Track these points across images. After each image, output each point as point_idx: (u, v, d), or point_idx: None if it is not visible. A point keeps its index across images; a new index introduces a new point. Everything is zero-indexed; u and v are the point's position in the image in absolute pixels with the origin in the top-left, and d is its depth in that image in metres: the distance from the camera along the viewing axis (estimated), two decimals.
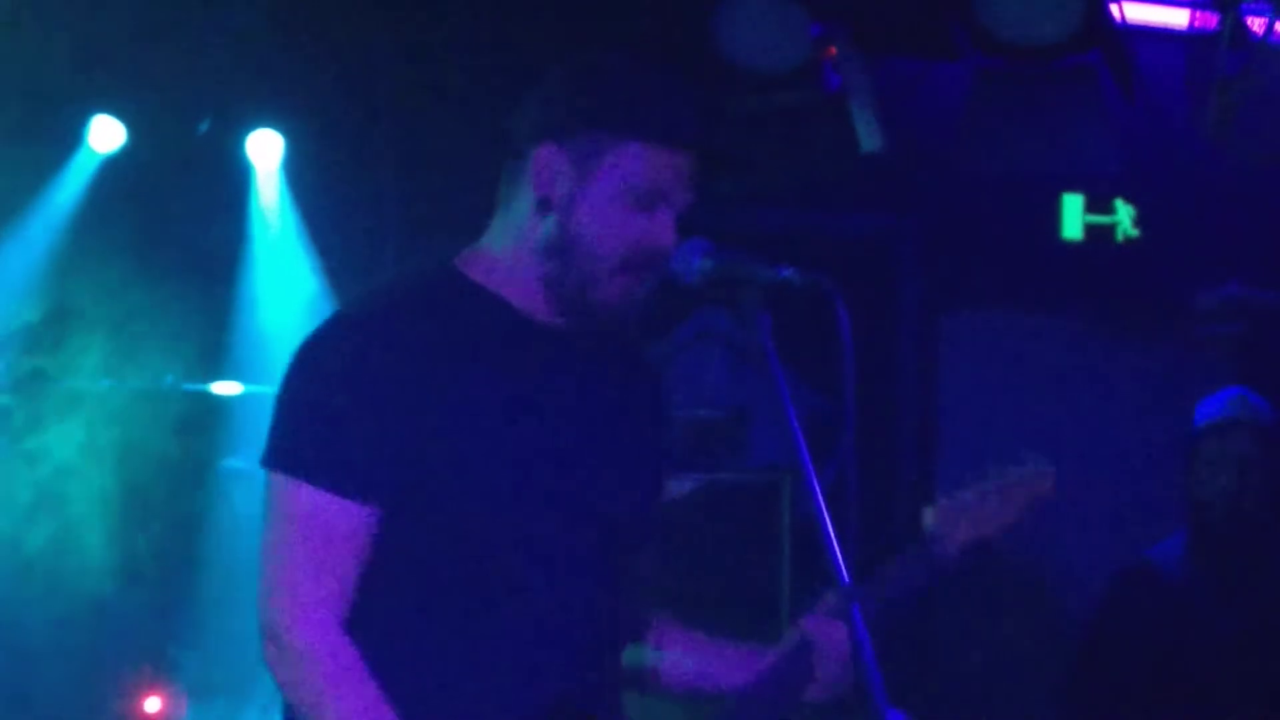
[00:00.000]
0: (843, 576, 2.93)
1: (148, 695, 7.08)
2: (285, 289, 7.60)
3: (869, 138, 7.09)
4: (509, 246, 3.35)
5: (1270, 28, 6.80)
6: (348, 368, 3.24)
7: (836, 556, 2.94)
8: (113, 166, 7.24)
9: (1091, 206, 7.68)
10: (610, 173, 3.27)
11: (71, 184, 7.24)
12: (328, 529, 3.22)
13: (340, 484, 3.21)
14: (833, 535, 2.95)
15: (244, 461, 7.07)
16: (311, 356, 3.30)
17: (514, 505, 3.27)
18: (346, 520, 3.22)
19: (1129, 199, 7.64)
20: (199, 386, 7.31)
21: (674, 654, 3.70)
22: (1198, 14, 7.14)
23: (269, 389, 7.36)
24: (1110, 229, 7.69)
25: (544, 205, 3.29)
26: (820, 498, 2.96)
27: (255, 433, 7.46)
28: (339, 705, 3.18)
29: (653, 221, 3.28)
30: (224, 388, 7.20)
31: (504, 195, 3.36)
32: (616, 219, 3.28)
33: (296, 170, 7.53)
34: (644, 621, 3.66)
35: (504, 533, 3.28)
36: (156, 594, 7.19)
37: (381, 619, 3.27)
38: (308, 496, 3.23)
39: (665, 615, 3.70)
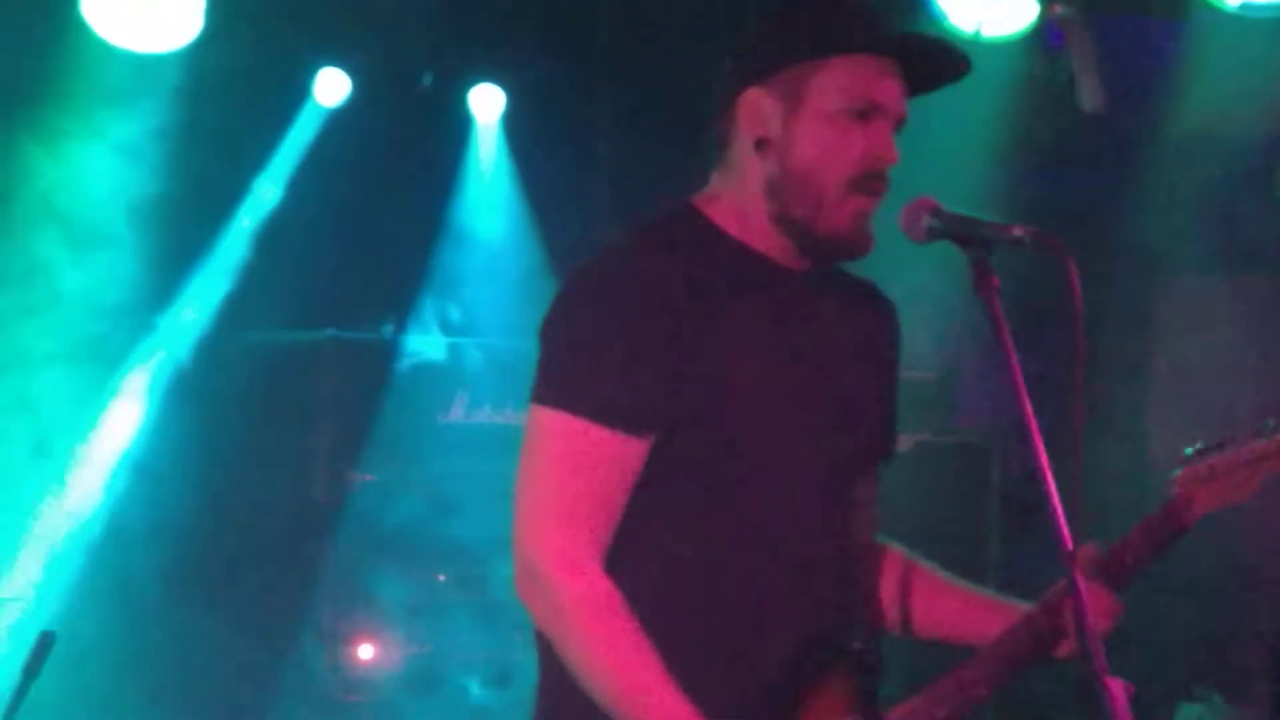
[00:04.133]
0: (1065, 539, 2.92)
1: (360, 642, 7.16)
2: (500, 241, 7.74)
3: (1090, 97, 7.10)
4: (735, 194, 3.42)
5: None
6: (614, 304, 3.31)
7: (1059, 518, 2.95)
8: (338, 119, 7.42)
9: None
10: (818, 97, 3.34)
11: (297, 136, 7.41)
12: (598, 463, 3.29)
13: (613, 417, 3.27)
14: (1055, 496, 2.94)
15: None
16: (578, 294, 3.37)
17: (764, 439, 3.35)
18: (618, 454, 3.29)
19: None
20: (416, 337, 7.42)
21: (920, 596, 3.76)
22: None
23: (476, 341, 7.46)
24: None
25: (761, 146, 3.38)
26: (1044, 458, 2.96)
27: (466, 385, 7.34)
28: (607, 646, 3.25)
29: (869, 133, 3.36)
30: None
31: (720, 151, 3.46)
32: (833, 139, 3.35)
33: (515, 125, 7.64)
34: (873, 554, 3.71)
35: (754, 465, 3.35)
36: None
37: (633, 552, 3.35)
38: (579, 430, 3.28)
39: (911, 556, 3.76)
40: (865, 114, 3.34)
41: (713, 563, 3.38)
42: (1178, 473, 3.72)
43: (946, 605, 3.76)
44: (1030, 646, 3.60)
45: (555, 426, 3.32)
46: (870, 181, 3.35)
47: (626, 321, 3.30)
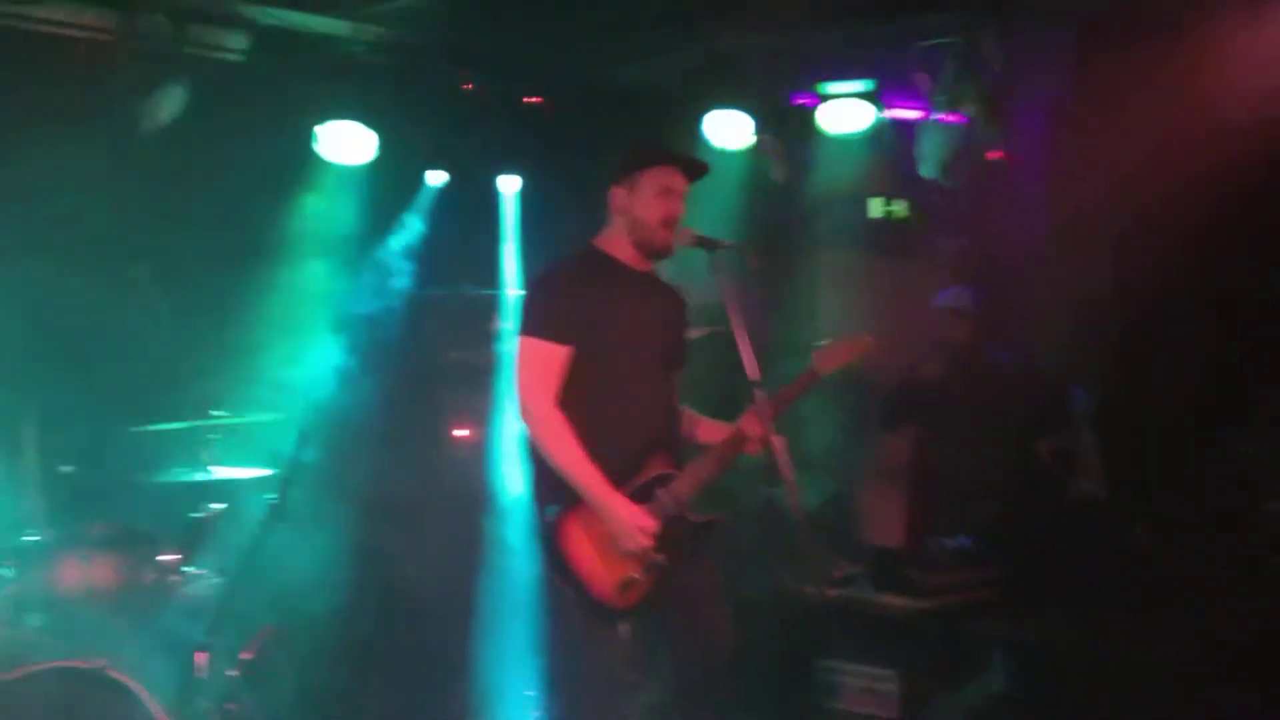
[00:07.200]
0: (751, 373, 5.43)
1: None
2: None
3: (779, 174, 9.77)
4: (615, 233, 5.78)
5: None
6: (547, 287, 5.70)
7: (752, 367, 5.42)
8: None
9: None
10: (644, 185, 5.78)
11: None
12: (547, 358, 5.62)
13: (550, 334, 5.68)
14: (755, 364, 5.38)
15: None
16: (534, 285, 5.71)
17: (625, 344, 5.73)
18: (555, 353, 5.68)
19: None
20: (477, 290, 9.75)
21: (694, 425, 6.28)
22: None
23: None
24: None
25: (620, 211, 5.71)
26: (750, 355, 5.39)
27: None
28: (558, 444, 5.63)
29: (668, 202, 5.74)
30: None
31: (608, 212, 5.80)
32: (652, 205, 5.78)
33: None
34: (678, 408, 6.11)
35: (620, 357, 5.77)
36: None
37: (569, 403, 5.85)
38: (536, 344, 5.66)
39: (688, 408, 6.05)
40: (666, 192, 5.82)
41: (602, 408, 5.77)
42: (813, 353, 5.96)
43: (702, 428, 6.27)
44: (731, 446, 5.97)
45: (525, 343, 5.58)
46: (671, 223, 5.79)
47: (553, 293, 5.60)
